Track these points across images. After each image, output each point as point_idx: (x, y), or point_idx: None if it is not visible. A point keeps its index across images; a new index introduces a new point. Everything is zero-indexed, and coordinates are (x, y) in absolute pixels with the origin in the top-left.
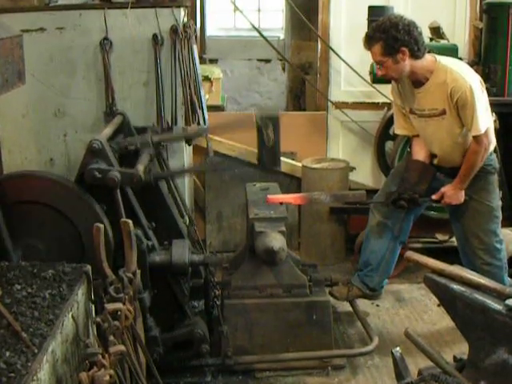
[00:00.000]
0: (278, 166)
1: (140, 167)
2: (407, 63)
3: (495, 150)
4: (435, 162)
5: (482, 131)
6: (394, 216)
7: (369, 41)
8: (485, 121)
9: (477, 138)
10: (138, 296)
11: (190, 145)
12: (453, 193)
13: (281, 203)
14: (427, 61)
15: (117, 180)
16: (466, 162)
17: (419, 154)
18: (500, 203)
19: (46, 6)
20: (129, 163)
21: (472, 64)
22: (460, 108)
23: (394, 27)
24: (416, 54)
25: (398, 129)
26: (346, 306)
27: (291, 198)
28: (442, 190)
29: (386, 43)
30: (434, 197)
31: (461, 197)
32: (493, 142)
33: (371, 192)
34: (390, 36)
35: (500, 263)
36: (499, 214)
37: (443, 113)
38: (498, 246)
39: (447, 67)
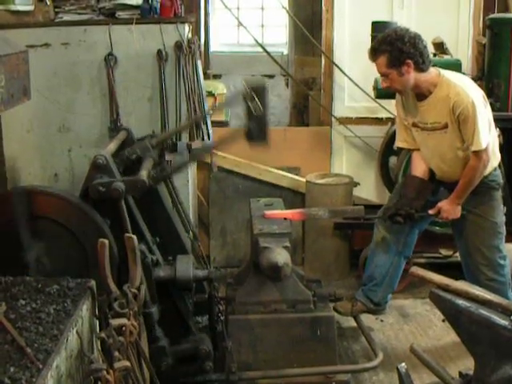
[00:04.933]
0: (265, 139)
1: (143, 172)
2: (412, 76)
3: (499, 166)
4: (437, 177)
5: (483, 146)
6: (398, 231)
7: (374, 52)
8: (486, 136)
9: (477, 154)
10: (147, 310)
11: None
12: (449, 208)
13: (284, 218)
14: (431, 74)
15: (121, 190)
16: (464, 177)
17: (418, 169)
18: (504, 219)
19: (51, 22)
20: (135, 174)
21: (475, 79)
22: (461, 122)
23: (399, 39)
24: (421, 67)
25: (399, 141)
26: (350, 322)
27: (289, 213)
28: (439, 204)
29: (391, 55)
30: (430, 212)
31: (458, 212)
32: (497, 157)
33: (375, 207)
34: (395, 48)
35: (504, 279)
36: (503, 229)
37: (445, 126)
38: (502, 261)
39: (450, 81)
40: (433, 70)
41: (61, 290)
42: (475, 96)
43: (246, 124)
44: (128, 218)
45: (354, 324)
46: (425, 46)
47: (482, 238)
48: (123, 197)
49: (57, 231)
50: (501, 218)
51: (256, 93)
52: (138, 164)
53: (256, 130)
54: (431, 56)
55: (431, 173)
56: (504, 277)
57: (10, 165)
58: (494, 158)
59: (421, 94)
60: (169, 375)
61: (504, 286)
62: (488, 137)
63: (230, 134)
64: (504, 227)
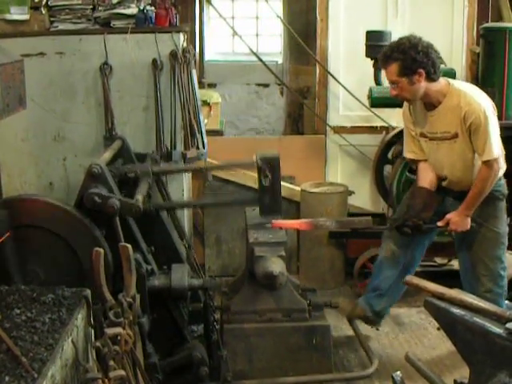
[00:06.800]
0: (279, 211)
1: (139, 197)
2: (422, 85)
3: (505, 176)
4: (444, 184)
5: (495, 156)
6: (407, 244)
7: (386, 60)
8: (497, 146)
9: (487, 164)
10: (137, 320)
11: None
12: (458, 219)
13: (281, 228)
14: (441, 84)
15: (116, 208)
16: (474, 188)
17: (425, 180)
18: (507, 229)
19: (46, 31)
20: (127, 189)
21: None
22: (472, 132)
23: (413, 48)
24: (432, 77)
25: (407, 152)
26: (345, 330)
27: (297, 223)
28: (448, 216)
29: (403, 63)
30: (439, 223)
31: (467, 223)
32: (503, 168)
33: (370, 216)
34: (408, 57)
35: (500, 290)
36: (506, 240)
37: (455, 136)
38: (502, 272)
39: (461, 91)
40: (442, 80)
41: (56, 299)
42: (486, 105)
43: (259, 196)
44: (123, 227)
45: (349, 332)
46: (437, 56)
47: (485, 249)
48: (117, 214)
49: (52, 240)
50: (504, 229)
51: (269, 165)
52: (133, 182)
53: (269, 203)
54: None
55: (438, 182)
56: (501, 288)
57: (5, 173)
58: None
59: (430, 104)
60: None
61: (499, 297)
62: (499, 146)
63: (240, 164)
64: (507, 238)
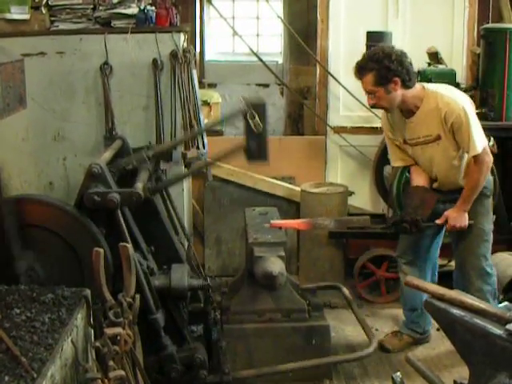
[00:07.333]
0: (265, 157)
1: (139, 185)
2: (399, 93)
3: (492, 173)
4: (435, 186)
5: (480, 150)
6: (416, 255)
7: (361, 70)
8: (482, 139)
9: (477, 158)
10: (152, 317)
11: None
12: (457, 215)
13: (280, 228)
14: (417, 89)
15: (116, 201)
16: (469, 183)
17: (418, 181)
18: (492, 227)
19: (46, 31)
20: (129, 184)
21: (470, 89)
22: (455, 131)
23: (387, 57)
24: (407, 84)
25: (396, 161)
26: (344, 331)
27: (295, 223)
28: (446, 213)
29: (378, 73)
30: (437, 221)
31: (465, 219)
32: None
33: (370, 216)
34: (383, 66)
35: (491, 288)
36: (490, 238)
37: (438, 138)
38: (489, 270)
39: (437, 93)
40: (417, 85)
41: (56, 299)
42: (464, 102)
43: (245, 142)
44: None
45: (349, 333)
46: (410, 63)
47: (470, 246)
48: (119, 208)
49: (51, 240)
50: (489, 226)
51: (256, 111)
52: (133, 175)
53: (256, 148)
54: (425, 66)
55: (430, 183)
56: (491, 286)
57: (5, 173)
58: None
59: (408, 111)
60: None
61: (491, 296)
62: (484, 139)
63: (229, 149)
64: (491, 236)
